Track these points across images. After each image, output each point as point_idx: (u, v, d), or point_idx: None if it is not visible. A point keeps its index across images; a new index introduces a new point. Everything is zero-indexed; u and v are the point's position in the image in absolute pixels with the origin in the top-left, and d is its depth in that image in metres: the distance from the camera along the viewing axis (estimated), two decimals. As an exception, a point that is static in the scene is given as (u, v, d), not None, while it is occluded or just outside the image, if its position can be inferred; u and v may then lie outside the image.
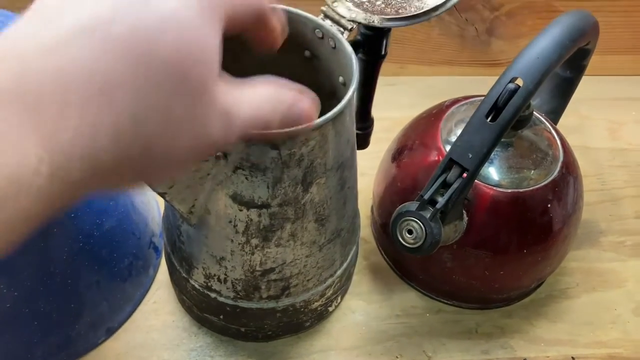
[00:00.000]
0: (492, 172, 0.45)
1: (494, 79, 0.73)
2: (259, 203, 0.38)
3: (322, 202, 0.40)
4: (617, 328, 0.51)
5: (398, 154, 0.50)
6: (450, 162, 0.40)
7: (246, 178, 0.36)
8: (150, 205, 0.52)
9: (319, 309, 0.48)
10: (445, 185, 0.41)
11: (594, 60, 0.69)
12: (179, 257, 0.45)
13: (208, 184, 0.37)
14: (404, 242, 0.41)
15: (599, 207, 0.59)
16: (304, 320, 0.48)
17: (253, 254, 0.41)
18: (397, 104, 0.65)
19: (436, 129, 0.48)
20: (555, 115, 0.52)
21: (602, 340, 0.50)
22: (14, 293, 0.40)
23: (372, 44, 0.42)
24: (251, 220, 0.38)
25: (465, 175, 0.40)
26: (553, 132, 0.48)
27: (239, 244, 0.40)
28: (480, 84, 0.70)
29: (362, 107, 0.48)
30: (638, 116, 0.67)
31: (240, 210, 0.38)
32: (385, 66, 0.68)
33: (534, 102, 0.52)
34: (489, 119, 0.39)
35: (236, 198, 0.37)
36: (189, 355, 0.47)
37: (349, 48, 0.38)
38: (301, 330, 0.49)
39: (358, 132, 0.50)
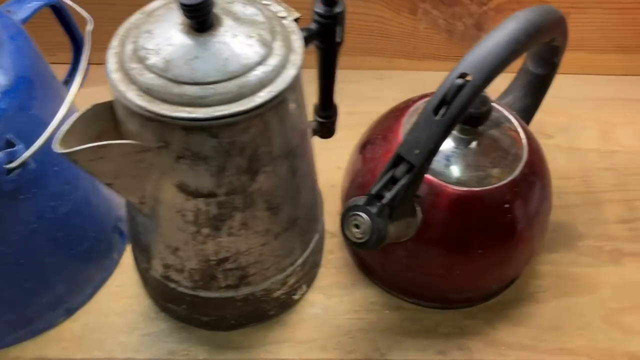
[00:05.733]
0: (451, 169, 0.44)
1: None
2: (205, 192, 0.38)
3: (271, 190, 0.40)
4: (585, 335, 0.49)
5: (362, 148, 0.50)
6: (398, 158, 0.40)
7: (189, 167, 0.36)
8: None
9: (282, 297, 0.48)
10: (394, 180, 0.40)
11: (587, 59, 0.68)
12: (139, 247, 0.45)
13: (153, 174, 0.37)
14: (351, 237, 0.40)
15: (580, 210, 0.57)
16: (268, 309, 0.48)
17: (205, 243, 0.41)
18: (385, 98, 0.64)
19: (399, 124, 0.47)
20: (527, 113, 0.50)
21: (566, 347, 0.49)
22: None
23: (326, 31, 0.42)
24: (199, 209, 0.39)
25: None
26: (520, 130, 0.46)
27: (191, 233, 0.40)
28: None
29: (324, 96, 0.48)
30: (632, 117, 0.65)
31: (188, 200, 0.38)
32: (372, 59, 0.68)
33: (505, 99, 0.51)
34: (439, 115, 0.38)
35: (182, 188, 0.37)
36: (143, 340, 0.48)
37: None
38: (266, 319, 0.49)
39: (322, 120, 0.50)
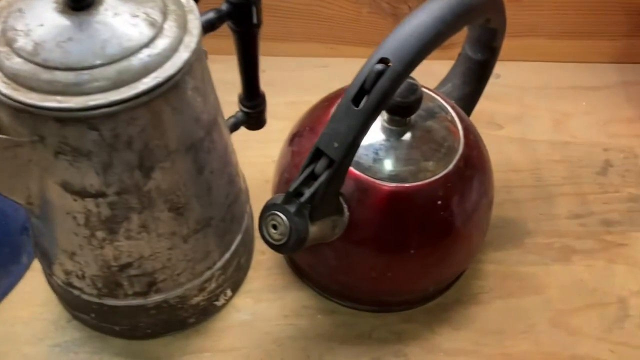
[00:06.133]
0: (380, 163, 0.41)
1: (436, 61, 0.68)
2: (93, 192, 0.34)
3: (173, 189, 0.36)
4: (529, 339, 0.46)
5: (290, 141, 0.46)
6: (317, 152, 0.36)
7: (70, 164, 0.32)
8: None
9: (202, 304, 0.44)
10: (315, 176, 0.36)
11: (540, 45, 0.64)
12: (39, 251, 0.41)
13: (34, 171, 0.33)
14: (268, 238, 0.37)
15: (530, 205, 0.54)
16: (186, 317, 0.44)
17: (103, 247, 0.37)
18: (329, 87, 0.60)
19: (327, 115, 0.43)
20: (468, 102, 0.47)
21: (509, 352, 0.45)
22: None
23: (240, 12, 0.38)
24: (90, 211, 0.35)
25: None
26: (457, 121, 0.43)
27: (85, 237, 0.36)
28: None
29: (248, 83, 0.44)
30: (588, 107, 0.62)
31: (75, 201, 0.34)
32: (313, 46, 0.64)
33: (444, 88, 0.48)
34: (360, 104, 0.35)
35: (66, 187, 0.33)
36: (52, 351, 0.44)
37: None
38: (186, 328, 0.45)
39: (248, 111, 0.46)
